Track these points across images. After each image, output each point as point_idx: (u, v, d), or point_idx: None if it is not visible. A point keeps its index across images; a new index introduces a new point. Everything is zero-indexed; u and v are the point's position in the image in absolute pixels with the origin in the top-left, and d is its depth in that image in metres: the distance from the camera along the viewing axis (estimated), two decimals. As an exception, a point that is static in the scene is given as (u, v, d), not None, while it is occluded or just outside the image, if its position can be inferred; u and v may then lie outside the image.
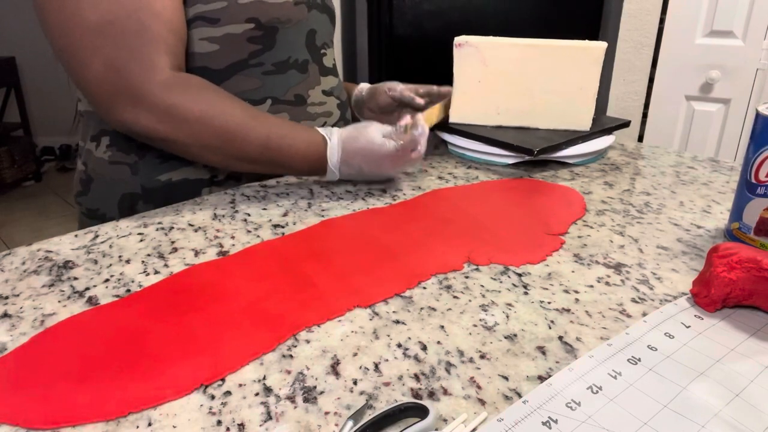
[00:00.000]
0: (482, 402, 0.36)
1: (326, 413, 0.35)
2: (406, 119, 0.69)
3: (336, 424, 0.34)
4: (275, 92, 0.73)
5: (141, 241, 0.58)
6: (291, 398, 0.36)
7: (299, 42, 0.75)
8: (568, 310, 0.45)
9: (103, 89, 0.61)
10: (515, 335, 0.42)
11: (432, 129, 0.86)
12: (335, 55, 1.60)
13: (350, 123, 0.88)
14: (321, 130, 0.69)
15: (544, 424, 0.33)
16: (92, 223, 0.73)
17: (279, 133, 0.66)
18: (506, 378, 0.38)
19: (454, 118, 0.86)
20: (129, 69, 0.60)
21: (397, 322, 0.44)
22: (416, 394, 0.36)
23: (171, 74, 0.63)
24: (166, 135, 0.63)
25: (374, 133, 0.68)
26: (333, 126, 0.80)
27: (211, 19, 0.67)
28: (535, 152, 0.75)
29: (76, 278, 0.50)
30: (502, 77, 0.83)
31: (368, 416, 0.34)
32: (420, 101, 0.87)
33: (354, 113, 0.96)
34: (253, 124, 0.65)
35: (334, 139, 0.68)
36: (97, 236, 0.59)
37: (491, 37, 0.82)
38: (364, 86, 0.95)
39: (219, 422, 0.34)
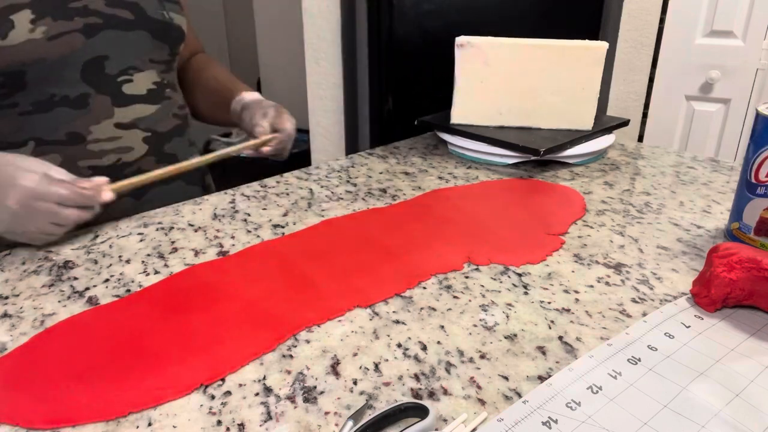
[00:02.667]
0: (482, 402, 0.36)
1: (326, 413, 0.35)
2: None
3: (336, 424, 0.34)
4: (38, 132, 0.63)
5: (141, 241, 0.58)
6: (291, 398, 0.36)
7: (69, 77, 0.63)
8: (568, 310, 0.45)
9: None
10: (515, 335, 0.42)
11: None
12: (334, 58, 1.60)
13: (175, 161, 0.71)
14: None
15: (544, 424, 0.33)
16: None
17: None
18: (506, 378, 0.38)
19: (455, 119, 0.86)
20: None
21: (397, 322, 0.44)
22: (416, 394, 0.36)
23: None
24: None
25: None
26: (135, 161, 0.69)
27: None
28: (542, 152, 0.75)
29: (76, 278, 0.50)
30: (504, 77, 0.83)
31: (368, 416, 0.34)
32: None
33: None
34: None
35: None
36: (97, 236, 0.59)
37: (493, 38, 0.82)
38: (244, 98, 0.80)
39: (219, 422, 0.34)
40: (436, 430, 0.33)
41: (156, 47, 0.72)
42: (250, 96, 0.81)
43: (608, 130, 0.85)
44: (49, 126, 0.63)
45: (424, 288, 0.49)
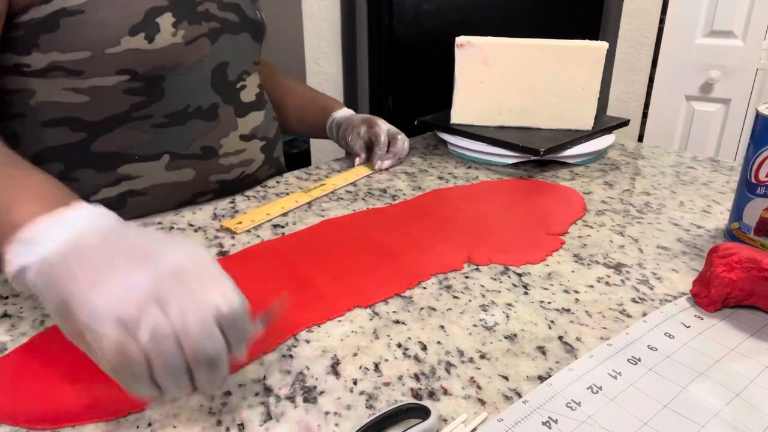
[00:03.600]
0: (482, 402, 0.36)
1: (326, 413, 0.35)
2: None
3: (336, 424, 0.34)
4: (174, 146, 0.62)
5: (141, 241, 0.57)
6: (291, 398, 0.36)
7: (201, 85, 0.62)
8: (568, 310, 0.45)
9: None
10: (515, 335, 0.42)
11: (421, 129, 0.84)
12: (334, 58, 1.60)
13: (278, 164, 0.78)
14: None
15: (544, 424, 0.33)
16: None
17: None
18: (506, 378, 0.38)
19: (455, 119, 0.86)
20: None
21: (397, 322, 0.44)
22: (416, 394, 0.36)
23: None
24: None
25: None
26: (255, 172, 0.71)
27: (72, 71, 0.55)
28: (542, 152, 0.75)
29: (76, 278, 0.50)
30: (504, 77, 0.83)
31: (369, 417, 0.34)
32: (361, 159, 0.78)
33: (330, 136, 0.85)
34: None
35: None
36: (97, 236, 0.58)
37: (493, 38, 0.82)
38: (335, 117, 0.83)
39: (219, 422, 0.34)
40: (437, 430, 0.33)
41: (255, 49, 0.71)
42: (340, 114, 0.84)
43: (608, 130, 0.85)
44: (183, 139, 0.62)
45: (424, 288, 0.49)
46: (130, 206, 0.62)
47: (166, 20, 0.57)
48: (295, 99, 0.88)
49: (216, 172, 0.66)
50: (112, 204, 0.60)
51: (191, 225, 0.61)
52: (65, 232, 0.34)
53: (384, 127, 0.79)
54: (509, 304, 0.46)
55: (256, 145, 0.70)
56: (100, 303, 0.30)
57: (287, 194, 0.70)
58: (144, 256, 0.32)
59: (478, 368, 0.39)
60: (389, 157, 0.78)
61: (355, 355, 0.40)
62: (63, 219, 0.35)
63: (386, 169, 0.78)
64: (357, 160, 0.79)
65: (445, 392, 0.37)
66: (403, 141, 0.80)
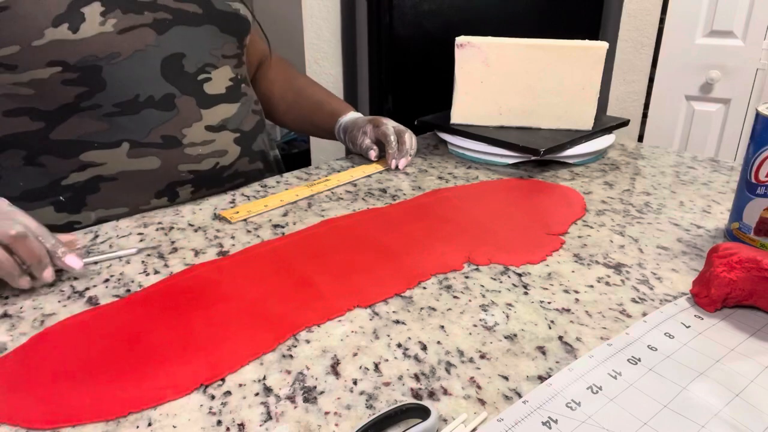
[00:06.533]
0: (482, 402, 0.36)
1: (326, 413, 0.35)
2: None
3: (336, 424, 0.34)
4: (132, 135, 0.62)
5: (141, 241, 0.57)
6: (291, 398, 0.36)
7: (148, 75, 0.62)
8: (568, 310, 0.45)
9: None
10: (515, 335, 0.42)
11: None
12: (334, 58, 1.60)
13: (263, 157, 0.78)
14: None
15: (544, 424, 0.33)
16: None
17: None
18: (506, 378, 0.38)
19: (455, 119, 0.86)
20: None
21: (397, 322, 0.44)
22: (416, 394, 0.36)
23: None
24: None
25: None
26: (232, 164, 0.70)
27: (8, 65, 0.57)
28: (542, 152, 0.75)
29: (76, 278, 0.50)
30: (504, 77, 0.83)
31: (369, 417, 0.34)
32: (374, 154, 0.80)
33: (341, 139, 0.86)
34: None
35: None
36: (97, 236, 0.59)
37: (493, 38, 0.82)
38: (342, 122, 0.84)
39: (219, 422, 0.34)
40: (437, 430, 0.33)
41: (226, 42, 0.70)
42: (346, 117, 0.84)
43: (608, 130, 0.85)
44: (140, 128, 0.63)
45: (424, 288, 0.49)
46: (104, 191, 0.64)
47: (93, 10, 0.58)
48: (305, 102, 0.89)
49: (184, 161, 0.66)
50: (84, 187, 0.63)
51: (191, 225, 0.61)
52: None
53: (390, 125, 0.80)
54: (509, 304, 0.46)
55: (227, 136, 0.69)
56: None
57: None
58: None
59: (478, 368, 0.39)
60: (403, 156, 0.78)
61: (355, 355, 0.40)
62: None
63: (403, 168, 0.79)
64: (371, 154, 0.79)
65: (445, 392, 0.37)
66: (410, 137, 0.80)
